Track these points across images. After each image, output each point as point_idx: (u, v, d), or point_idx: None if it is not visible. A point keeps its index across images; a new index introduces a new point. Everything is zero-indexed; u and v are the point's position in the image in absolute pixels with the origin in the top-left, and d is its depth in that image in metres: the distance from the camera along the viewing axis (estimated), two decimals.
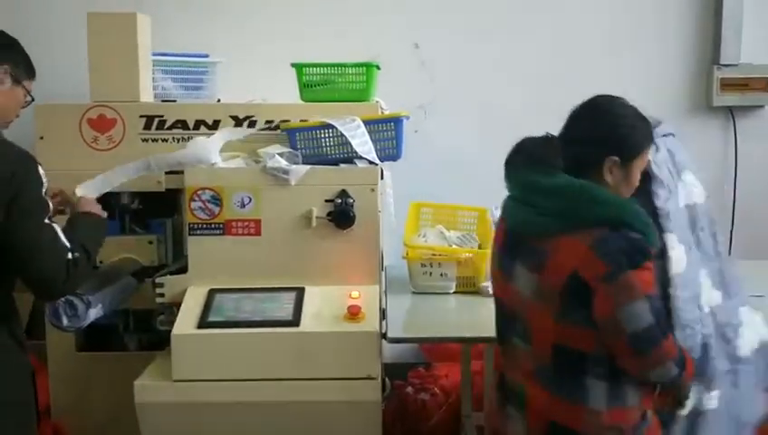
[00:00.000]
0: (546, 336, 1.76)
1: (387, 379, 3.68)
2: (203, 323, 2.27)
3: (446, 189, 3.73)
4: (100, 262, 2.83)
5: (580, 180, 1.75)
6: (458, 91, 3.90)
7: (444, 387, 3.53)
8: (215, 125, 2.81)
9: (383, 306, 2.68)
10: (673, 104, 3.92)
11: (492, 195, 3.28)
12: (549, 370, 1.77)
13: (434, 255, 2.85)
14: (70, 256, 2.04)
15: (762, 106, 3.93)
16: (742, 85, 3.86)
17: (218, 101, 3.16)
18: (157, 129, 2.82)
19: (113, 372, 2.81)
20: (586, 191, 1.72)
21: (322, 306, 2.34)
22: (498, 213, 3.07)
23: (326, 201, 2.44)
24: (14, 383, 2.08)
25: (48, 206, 2.09)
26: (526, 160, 1.84)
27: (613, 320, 1.68)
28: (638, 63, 3.87)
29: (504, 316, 1.93)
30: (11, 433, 2.05)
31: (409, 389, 3.52)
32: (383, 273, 3.12)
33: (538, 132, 3.85)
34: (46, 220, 2.06)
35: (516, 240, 1.84)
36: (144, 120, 2.81)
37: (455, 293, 2.81)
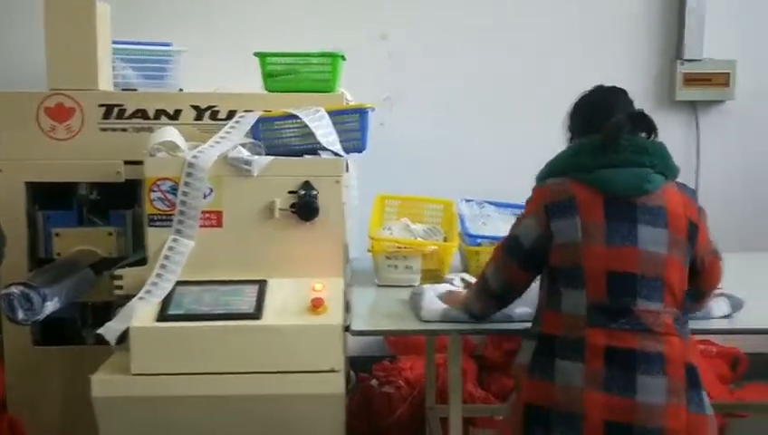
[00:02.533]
0: (679, 283, 1.97)
1: (352, 372, 3.67)
2: (162, 316, 2.23)
3: (412, 182, 3.72)
4: (58, 254, 2.79)
5: None
6: (425, 83, 3.89)
7: (408, 380, 3.52)
8: (175, 115, 2.78)
9: (347, 299, 2.66)
10: (637, 98, 3.84)
11: (458, 187, 3.31)
12: (680, 316, 1.97)
13: (399, 247, 2.83)
14: None
15: (723, 101, 3.98)
16: (704, 80, 3.90)
17: (180, 90, 3.11)
18: (116, 118, 2.78)
19: (71, 367, 2.77)
20: (667, 149, 2.07)
21: (285, 299, 2.31)
22: (464, 204, 3.11)
23: (289, 193, 2.40)
24: None
25: None
26: (622, 127, 2.03)
27: (708, 243, 2.07)
28: (602, 58, 3.89)
29: (619, 288, 1.94)
30: None
31: (374, 382, 3.51)
32: (348, 266, 3.10)
33: (503, 126, 3.87)
34: None
35: (627, 205, 1.97)
36: (103, 109, 2.77)
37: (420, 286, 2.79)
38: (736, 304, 2.38)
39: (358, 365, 3.67)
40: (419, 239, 2.94)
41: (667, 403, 1.89)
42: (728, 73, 3.90)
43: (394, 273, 2.82)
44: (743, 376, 4.00)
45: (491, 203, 3.06)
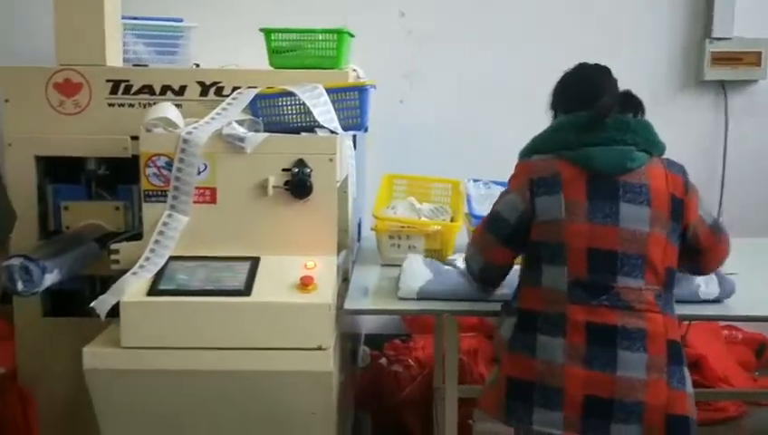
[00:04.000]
0: (662, 261, 1.97)
1: (366, 349, 3.67)
2: (153, 290, 2.25)
3: (430, 160, 3.69)
4: (67, 227, 2.83)
5: None
6: (444, 61, 3.84)
7: (419, 359, 3.52)
8: (181, 91, 2.78)
9: (349, 277, 2.65)
10: (664, 78, 3.86)
11: (476, 166, 3.26)
12: (662, 294, 1.98)
13: (402, 227, 2.82)
14: None
15: (754, 81, 3.85)
16: (734, 59, 3.77)
17: (197, 66, 3.12)
18: (123, 93, 2.79)
19: (78, 338, 2.79)
20: (652, 126, 2.07)
21: (276, 276, 2.30)
22: (472, 185, 3.07)
23: (283, 170, 2.38)
24: None
25: None
26: (611, 107, 2.03)
27: (699, 219, 2.05)
28: (628, 37, 3.80)
29: (600, 266, 1.96)
30: None
31: (383, 360, 3.51)
32: (357, 244, 3.09)
33: (524, 104, 3.81)
34: None
35: (609, 183, 1.98)
36: (111, 84, 2.78)
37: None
38: (727, 289, 2.35)
39: (375, 343, 3.68)
40: (424, 219, 2.92)
41: (647, 378, 1.92)
42: (760, 52, 3.77)
43: (397, 252, 2.80)
44: None
45: (497, 183, 3.01)
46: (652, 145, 2.03)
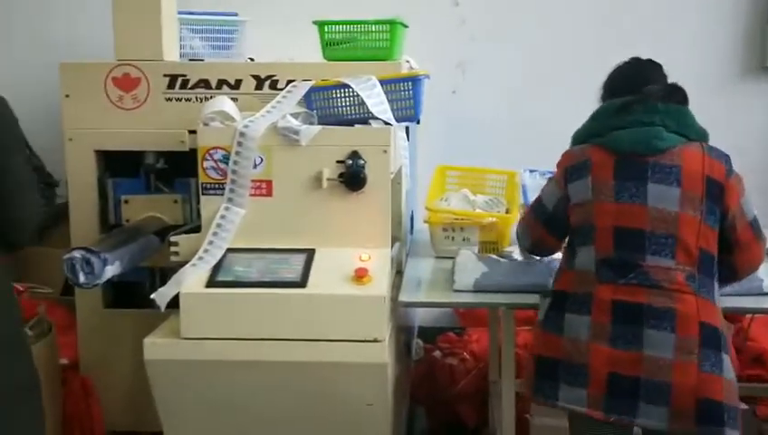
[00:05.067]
0: (695, 242, 1.95)
1: (420, 342, 3.67)
2: (212, 282, 2.28)
3: (484, 151, 3.65)
4: (127, 220, 2.88)
5: None
6: (498, 51, 3.79)
7: (474, 352, 3.49)
8: (237, 85, 2.80)
9: (402, 269, 2.65)
10: (723, 65, 3.75)
11: (529, 157, 3.21)
12: (695, 275, 1.95)
13: (456, 219, 2.80)
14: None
15: None
16: None
17: (252, 60, 3.15)
18: (180, 88, 2.82)
19: (139, 329, 2.84)
20: (689, 111, 2.08)
21: (332, 268, 2.32)
22: (528, 175, 3.03)
23: (337, 162, 2.39)
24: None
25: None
26: (654, 95, 2.05)
27: (740, 208, 2.02)
28: (686, 22, 3.70)
29: (627, 244, 1.97)
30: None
31: (437, 353, 3.49)
32: (410, 236, 3.08)
33: (580, 94, 3.75)
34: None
35: (638, 164, 1.99)
36: (168, 79, 2.81)
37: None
38: None
39: (427, 336, 3.67)
40: (479, 211, 2.89)
41: (674, 359, 1.90)
42: None
43: (451, 244, 2.79)
44: None
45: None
46: (686, 128, 2.03)
